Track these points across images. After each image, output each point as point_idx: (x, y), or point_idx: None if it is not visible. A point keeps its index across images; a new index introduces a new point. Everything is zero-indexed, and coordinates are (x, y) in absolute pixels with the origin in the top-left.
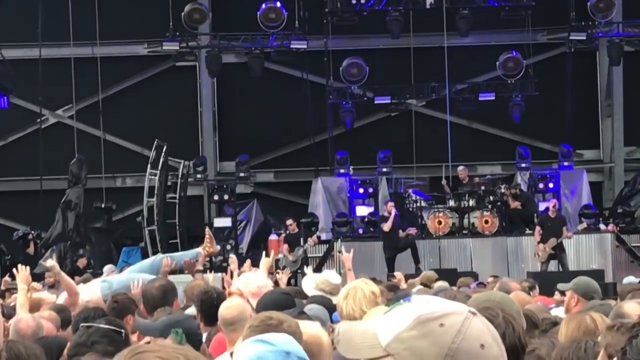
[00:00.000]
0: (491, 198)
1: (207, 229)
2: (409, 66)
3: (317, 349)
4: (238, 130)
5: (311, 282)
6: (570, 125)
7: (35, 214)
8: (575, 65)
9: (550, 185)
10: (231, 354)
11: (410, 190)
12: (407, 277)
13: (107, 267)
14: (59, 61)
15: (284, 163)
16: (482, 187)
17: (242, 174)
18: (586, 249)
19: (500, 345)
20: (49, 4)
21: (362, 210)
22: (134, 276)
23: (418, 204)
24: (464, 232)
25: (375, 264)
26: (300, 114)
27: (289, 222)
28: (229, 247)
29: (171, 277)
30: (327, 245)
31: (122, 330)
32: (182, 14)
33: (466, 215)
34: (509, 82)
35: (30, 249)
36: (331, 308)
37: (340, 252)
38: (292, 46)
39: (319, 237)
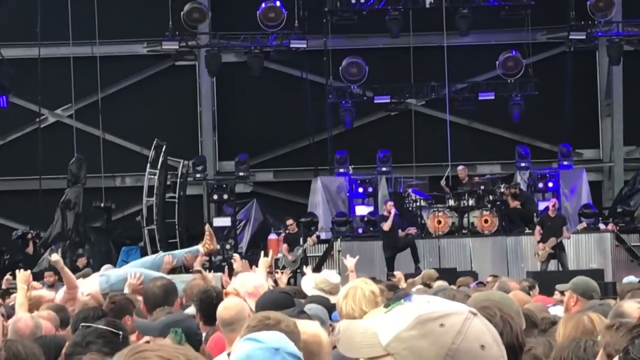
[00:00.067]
0: (491, 197)
1: (207, 226)
2: (409, 66)
3: (317, 348)
4: (237, 129)
5: (310, 282)
6: (569, 124)
7: (35, 213)
8: (575, 65)
9: (550, 184)
10: (229, 354)
11: (409, 190)
12: (407, 276)
13: (105, 267)
14: (58, 60)
15: (283, 162)
16: (482, 187)
17: (241, 174)
18: (586, 249)
19: (500, 346)
20: (48, 3)
21: (361, 210)
22: (131, 269)
23: (418, 204)
24: (464, 231)
25: (375, 263)
26: (300, 113)
27: (289, 222)
28: (228, 246)
29: (170, 276)
30: (327, 245)
31: (120, 332)
32: (182, 13)
33: (466, 215)
34: (509, 81)
35: (30, 249)
36: (330, 308)
37: (343, 256)
38: (291, 45)
39: (318, 237)
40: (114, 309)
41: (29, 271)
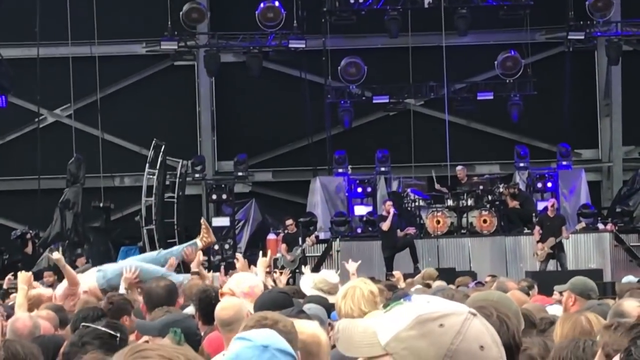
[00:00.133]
0: (489, 197)
1: (202, 220)
2: (407, 65)
3: (316, 348)
4: (236, 129)
5: (309, 282)
6: (568, 124)
7: (33, 213)
8: (574, 65)
9: (549, 184)
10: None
11: (408, 190)
12: (406, 276)
13: None
14: (57, 60)
15: (282, 162)
16: (481, 187)
17: (240, 174)
18: (585, 249)
19: (499, 346)
20: (47, 3)
21: (360, 210)
22: (127, 263)
23: (416, 204)
24: (463, 231)
25: (374, 263)
26: (299, 113)
27: (289, 222)
28: (227, 246)
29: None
30: (326, 245)
31: (117, 334)
32: (181, 13)
33: (464, 215)
34: (508, 81)
35: (29, 249)
36: (328, 307)
37: (345, 260)
38: (290, 45)
39: (317, 237)
40: (112, 309)
41: (30, 272)
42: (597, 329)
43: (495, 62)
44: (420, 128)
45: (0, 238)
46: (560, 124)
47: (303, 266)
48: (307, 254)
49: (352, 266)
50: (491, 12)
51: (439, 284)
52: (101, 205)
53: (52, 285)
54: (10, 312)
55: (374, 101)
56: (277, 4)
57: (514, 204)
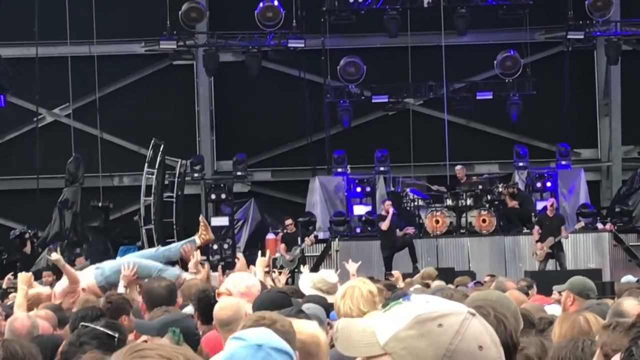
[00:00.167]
0: (489, 197)
1: (201, 217)
2: (407, 65)
3: (315, 348)
4: (235, 129)
5: (308, 282)
6: (567, 124)
7: (32, 213)
8: (573, 64)
9: (548, 184)
10: None
11: (407, 190)
12: (405, 276)
13: None
14: (55, 60)
15: (281, 162)
16: (480, 186)
17: (239, 173)
18: (584, 248)
19: (498, 346)
20: (46, 3)
21: (359, 210)
22: (125, 260)
23: (415, 203)
24: (462, 231)
25: (373, 263)
26: (298, 112)
27: (288, 221)
28: (226, 246)
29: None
30: (325, 245)
31: (116, 335)
32: (180, 12)
33: (464, 215)
34: (507, 81)
35: (27, 248)
36: (327, 307)
37: (345, 260)
38: (289, 45)
39: (316, 237)
40: (110, 308)
41: (30, 273)
42: (596, 329)
43: (495, 62)
44: (419, 128)
45: None
46: (559, 124)
47: (302, 266)
48: (306, 254)
49: (352, 267)
50: (490, 12)
51: (437, 283)
52: (100, 204)
53: (51, 285)
54: (9, 312)
55: (373, 101)
56: (276, 3)
57: (513, 203)
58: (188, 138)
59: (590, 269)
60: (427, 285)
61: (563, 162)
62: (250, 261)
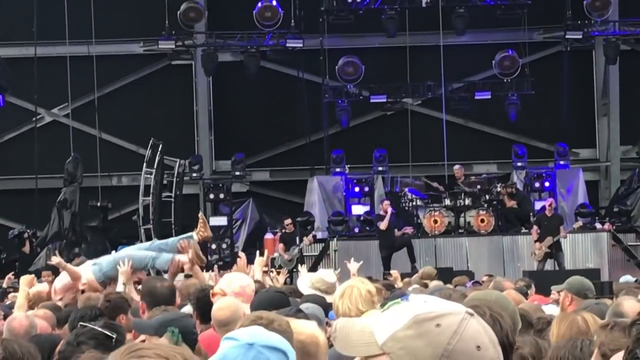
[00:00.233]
0: (487, 197)
1: (200, 214)
2: (405, 65)
3: (314, 349)
4: (234, 128)
5: (306, 281)
6: (566, 124)
7: (31, 212)
8: (572, 64)
9: (546, 184)
10: None
11: (406, 189)
12: (403, 275)
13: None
14: (54, 60)
15: (279, 162)
16: (478, 186)
17: (237, 173)
18: (582, 248)
19: (496, 347)
20: (45, 3)
21: (357, 209)
22: (120, 255)
23: (414, 203)
24: (460, 231)
25: (371, 262)
26: (296, 112)
27: (288, 221)
28: (224, 245)
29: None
30: (323, 245)
31: (114, 336)
32: (178, 12)
33: (462, 214)
34: (505, 80)
35: (26, 248)
36: (326, 306)
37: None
38: (288, 45)
39: (314, 236)
40: (109, 307)
41: (32, 275)
42: (594, 329)
43: (493, 62)
44: (417, 127)
45: None
46: (558, 124)
47: (299, 265)
48: (304, 254)
49: (353, 266)
50: (489, 12)
51: (436, 283)
52: (99, 204)
53: (50, 284)
54: (7, 312)
55: (372, 100)
56: (274, 3)
57: (511, 203)
58: (187, 138)
59: (588, 268)
60: (426, 285)
61: (561, 162)
62: (249, 261)
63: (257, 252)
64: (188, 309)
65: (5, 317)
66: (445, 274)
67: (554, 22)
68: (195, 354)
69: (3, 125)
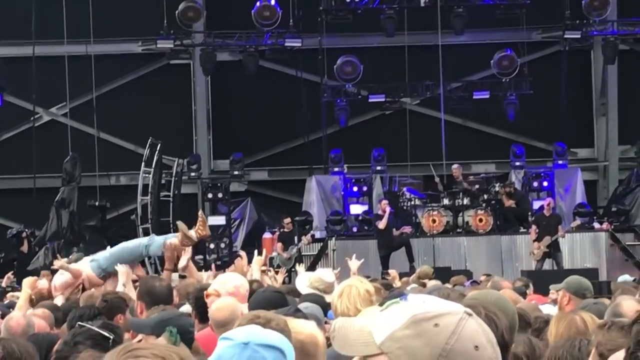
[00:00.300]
0: (485, 196)
1: (200, 212)
2: (404, 64)
3: (314, 349)
4: (232, 128)
5: (305, 281)
6: (564, 123)
7: (29, 212)
8: (570, 64)
9: (545, 183)
10: None
11: (404, 189)
12: (402, 275)
13: None
14: (52, 59)
15: (278, 161)
16: (477, 186)
17: (236, 172)
18: (580, 248)
19: (494, 347)
20: (43, 2)
21: (356, 209)
22: (115, 250)
23: (412, 203)
24: (458, 230)
25: (370, 262)
26: (295, 112)
27: (287, 220)
28: (223, 245)
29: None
30: (321, 244)
31: (111, 336)
32: (177, 11)
33: (460, 214)
34: (504, 80)
35: (24, 247)
36: (324, 306)
37: (348, 257)
38: (286, 44)
39: (312, 236)
40: (106, 307)
41: (35, 277)
42: (592, 329)
43: (492, 61)
44: (416, 127)
45: None
46: (556, 123)
47: (297, 264)
48: (302, 253)
49: (354, 264)
50: (487, 11)
51: (434, 283)
52: (97, 204)
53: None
54: (5, 311)
55: (370, 100)
56: (273, 2)
57: (509, 203)
58: (185, 137)
59: (587, 268)
60: (424, 285)
61: (560, 162)
62: (248, 260)
63: (256, 251)
64: (186, 308)
65: (3, 317)
66: (444, 274)
67: (552, 22)
68: (192, 353)
69: (1, 124)
